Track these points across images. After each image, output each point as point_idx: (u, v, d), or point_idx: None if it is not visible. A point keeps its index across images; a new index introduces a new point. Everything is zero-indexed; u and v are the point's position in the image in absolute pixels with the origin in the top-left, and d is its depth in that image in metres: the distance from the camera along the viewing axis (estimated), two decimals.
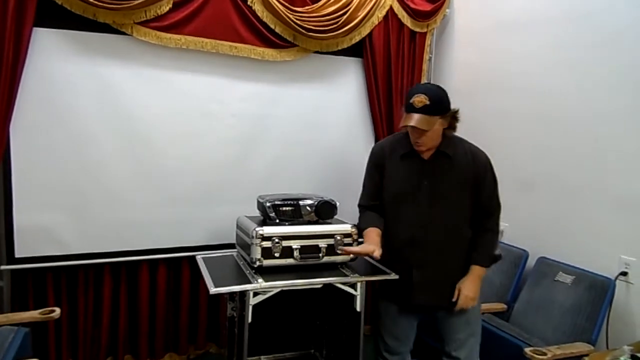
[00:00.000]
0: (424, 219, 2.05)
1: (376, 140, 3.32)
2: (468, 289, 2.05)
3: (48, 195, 2.56)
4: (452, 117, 2.03)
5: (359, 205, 2.25)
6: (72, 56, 2.55)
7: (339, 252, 2.24)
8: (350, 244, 2.28)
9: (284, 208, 2.40)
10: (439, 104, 1.96)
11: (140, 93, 2.71)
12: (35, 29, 2.44)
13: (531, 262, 2.72)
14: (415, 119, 1.92)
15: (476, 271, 2.07)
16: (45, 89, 2.51)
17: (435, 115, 1.93)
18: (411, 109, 1.94)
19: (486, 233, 2.08)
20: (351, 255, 2.27)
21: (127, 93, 2.68)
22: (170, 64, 2.76)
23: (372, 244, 2.04)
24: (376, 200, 2.17)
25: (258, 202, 2.50)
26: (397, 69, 3.31)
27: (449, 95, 2.01)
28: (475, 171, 2.03)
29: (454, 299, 2.06)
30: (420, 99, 1.93)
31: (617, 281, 2.31)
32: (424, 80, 3.45)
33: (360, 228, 2.22)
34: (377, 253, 2.00)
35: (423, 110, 1.92)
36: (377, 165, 2.18)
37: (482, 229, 2.08)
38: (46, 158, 2.54)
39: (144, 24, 2.61)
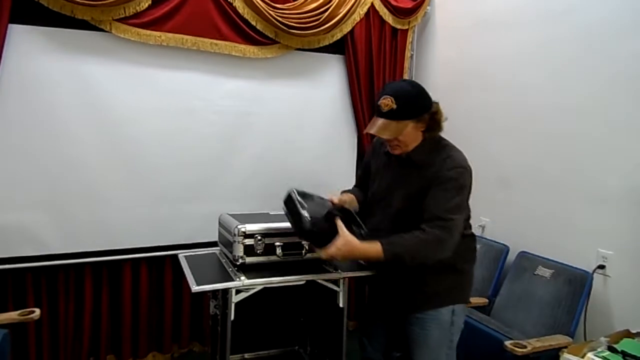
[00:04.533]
0: (382, 225, 1.89)
1: (359, 137, 3.34)
2: (340, 241, 1.73)
3: (26, 194, 2.52)
4: (431, 118, 1.78)
5: None
6: (50, 53, 2.52)
7: None
8: None
9: None
10: (409, 107, 1.73)
11: (120, 90, 2.68)
12: (11, 25, 2.40)
13: (511, 256, 2.75)
14: (377, 126, 1.75)
15: (370, 243, 1.72)
16: (22, 86, 2.47)
17: (404, 119, 1.73)
18: (377, 112, 1.76)
19: (413, 233, 1.71)
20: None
21: (107, 90, 2.66)
22: (150, 61, 2.73)
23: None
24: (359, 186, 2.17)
25: None
26: (379, 66, 3.33)
27: (428, 92, 1.80)
28: (434, 179, 1.74)
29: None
30: (386, 102, 1.73)
31: (595, 274, 2.35)
32: (405, 77, 3.46)
33: None
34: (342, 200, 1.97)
35: (389, 114, 1.72)
36: (365, 162, 2.14)
37: (416, 229, 1.72)
38: (24, 156, 2.51)
39: (123, 20, 2.59)
